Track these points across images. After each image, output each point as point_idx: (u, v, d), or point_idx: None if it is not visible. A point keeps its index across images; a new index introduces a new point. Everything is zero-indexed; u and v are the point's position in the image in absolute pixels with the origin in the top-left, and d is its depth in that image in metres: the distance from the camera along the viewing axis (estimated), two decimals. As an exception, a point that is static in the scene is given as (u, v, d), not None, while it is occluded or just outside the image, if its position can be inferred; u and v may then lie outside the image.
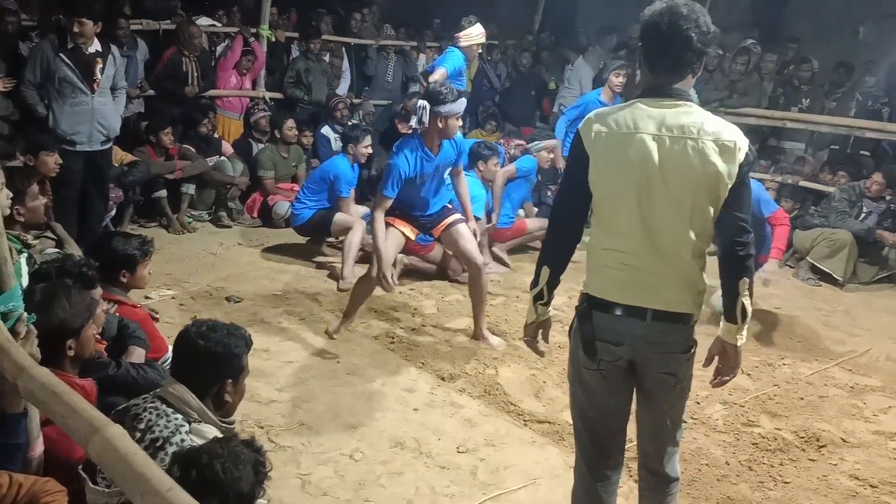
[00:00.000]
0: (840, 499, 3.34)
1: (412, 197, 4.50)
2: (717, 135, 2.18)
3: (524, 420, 3.83)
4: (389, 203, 4.37)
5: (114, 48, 5.58)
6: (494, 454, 3.48)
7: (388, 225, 4.46)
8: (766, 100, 8.12)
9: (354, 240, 5.68)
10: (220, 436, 2.03)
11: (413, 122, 4.34)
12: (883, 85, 8.01)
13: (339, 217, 5.91)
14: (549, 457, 3.49)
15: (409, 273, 5.84)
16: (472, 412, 3.86)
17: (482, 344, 4.68)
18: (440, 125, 4.30)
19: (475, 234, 4.72)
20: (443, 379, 4.19)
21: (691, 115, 2.20)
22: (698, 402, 4.11)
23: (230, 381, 2.26)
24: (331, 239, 6.33)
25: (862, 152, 7.89)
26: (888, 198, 6.74)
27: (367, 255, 6.04)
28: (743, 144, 2.19)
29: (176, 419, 2.14)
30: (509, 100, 9.85)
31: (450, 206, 4.73)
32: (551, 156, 6.77)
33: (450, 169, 4.64)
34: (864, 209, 6.77)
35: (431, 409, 3.85)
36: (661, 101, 2.22)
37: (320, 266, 6.00)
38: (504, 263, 6.35)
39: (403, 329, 4.85)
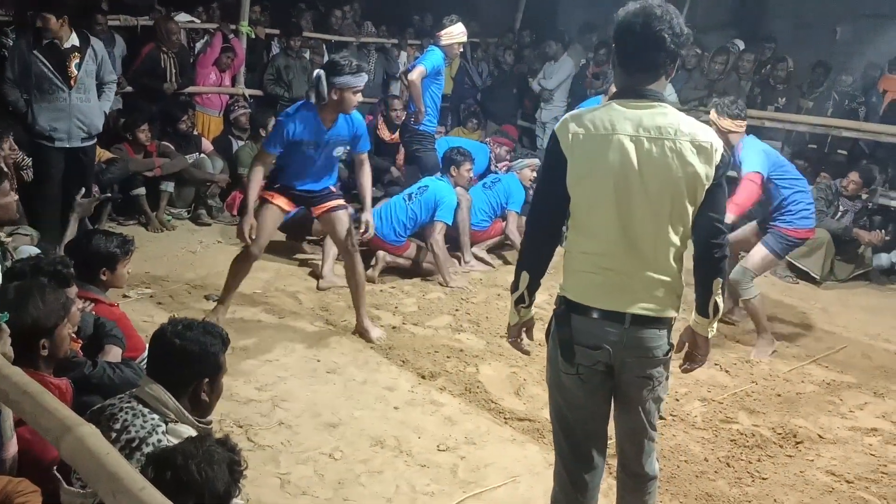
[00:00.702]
0: (816, 494, 3.37)
1: (296, 165, 4.47)
2: (693, 136, 2.19)
3: (504, 418, 3.83)
4: (269, 159, 4.44)
5: (95, 42, 5.50)
6: (475, 452, 3.48)
7: (265, 200, 4.49)
8: (743, 99, 8.16)
9: (335, 238, 5.66)
10: (194, 436, 2.01)
11: (311, 95, 4.31)
12: (859, 84, 8.10)
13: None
14: (529, 454, 3.50)
15: (390, 271, 5.83)
16: (453, 410, 3.86)
17: (461, 341, 4.67)
18: (334, 97, 4.27)
19: (367, 227, 4.68)
20: (423, 377, 4.19)
21: (667, 115, 2.21)
22: (677, 400, 4.14)
23: (207, 380, 2.24)
24: (312, 237, 6.30)
25: (839, 151, 7.96)
26: (864, 197, 6.82)
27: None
28: (718, 146, 2.21)
29: (152, 419, 2.11)
30: (491, 98, 9.86)
31: (334, 189, 4.68)
32: (534, 174, 6.70)
33: (344, 150, 4.57)
34: (841, 208, 6.84)
35: (412, 408, 3.84)
36: (636, 102, 2.23)
37: (302, 264, 5.97)
38: (487, 263, 6.35)
39: (384, 327, 4.83)
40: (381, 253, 5.77)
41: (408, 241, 5.85)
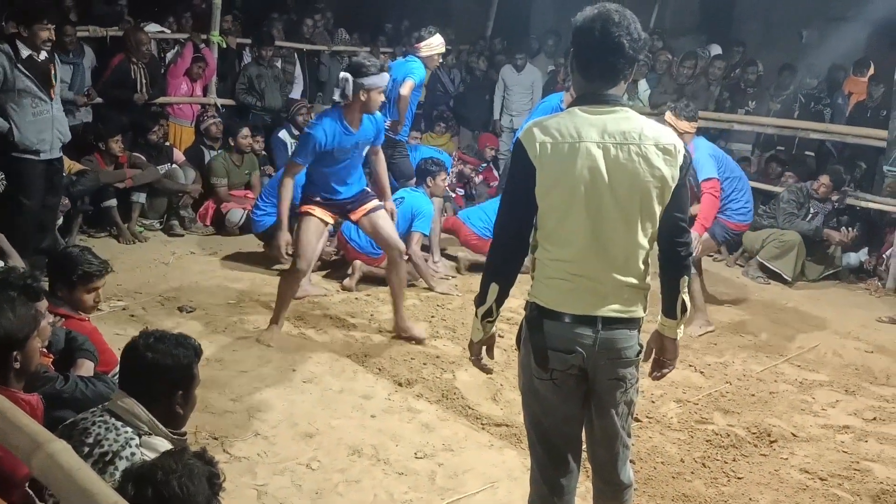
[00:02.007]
0: (791, 492, 3.41)
1: (329, 175, 4.47)
2: (657, 139, 2.22)
3: (482, 424, 3.84)
4: (299, 170, 4.44)
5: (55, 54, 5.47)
6: (452, 458, 3.48)
7: (306, 214, 4.49)
8: (713, 103, 8.28)
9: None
10: (172, 450, 1.99)
11: (336, 95, 4.31)
12: (825, 86, 8.23)
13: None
14: (507, 459, 3.50)
15: (365, 280, 5.81)
16: (430, 417, 3.85)
17: (437, 347, 4.68)
18: (362, 98, 4.30)
19: (392, 215, 4.73)
20: (400, 384, 4.18)
21: (630, 120, 2.23)
22: (653, 402, 4.17)
23: (180, 392, 2.22)
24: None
25: (807, 153, 8.09)
26: (834, 198, 6.92)
27: (325, 263, 6.06)
28: (681, 147, 2.25)
29: (125, 432, 2.09)
30: (464, 104, 9.89)
31: (368, 190, 4.71)
32: None
33: (368, 147, 4.61)
34: (812, 210, 6.94)
35: (389, 416, 3.84)
36: (598, 108, 2.24)
37: (279, 273, 5.92)
38: (458, 270, 6.36)
39: (360, 335, 4.83)
40: (357, 263, 5.76)
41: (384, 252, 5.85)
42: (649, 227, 2.26)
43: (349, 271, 5.75)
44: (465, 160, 8.58)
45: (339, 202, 4.58)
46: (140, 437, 2.11)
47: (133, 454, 2.04)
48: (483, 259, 6.34)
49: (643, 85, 8.54)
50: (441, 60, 6.93)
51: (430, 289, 5.74)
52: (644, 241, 2.27)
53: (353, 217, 4.66)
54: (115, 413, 2.15)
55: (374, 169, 4.79)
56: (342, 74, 4.30)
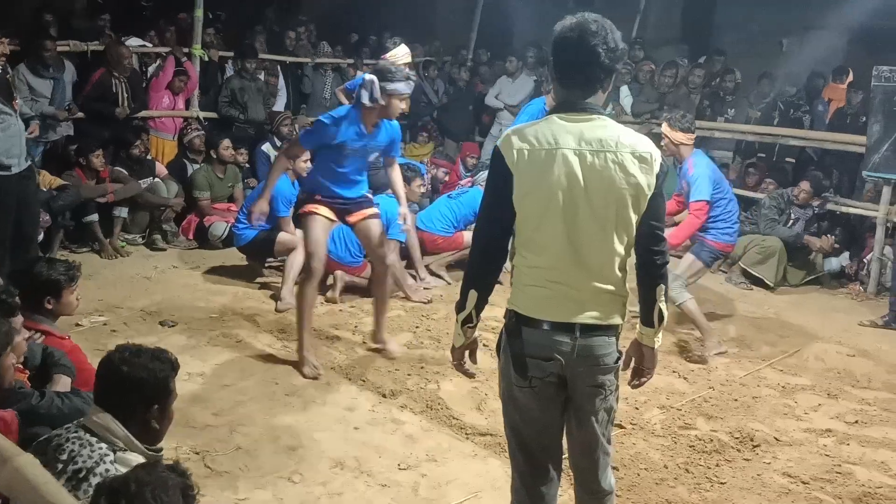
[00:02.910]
0: (774, 496, 3.42)
1: (334, 171, 4.45)
2: (633, 147, 2.23)
3: (466, 433, 3.83)
4: (301, 153, 4.54)
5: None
6: (436, 469, 3.47)
7: (311, 213, 4.47)
8: (693, 111, 8.32)
9: (296, 260, 5.61)
10: (145, 462, 1.98)
11: (364, 97, 4.26)
12: (804, 94, 8.31)
13: (282, 237, 5.85)
14: (490, 469, 3.50)
15: (350, 290, 5.81)
16: (414, 428, 3.84)
17: (421, 357, 4.67)
18: (383, 102, 4.30)
19: (405, 220, 4.73)
20: (384, 396, 4.17)
21: (607, 128, 2.24)
22: (637, 408, 4.18)
23: (156, 406, 2.20)
24: (271, 259, 6.25)
25: (787, 159, 8.15)
26: (815, 204, 6.98)
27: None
28: (657, 156, 2.26)
29: (100, 449, 2.07)
30: (447, 115, 9.91)
31: (370, 196, 4.71)
32: None
33: (376, 155, 4.60)
34: (793, 216, 7.00)
35: (372, 427, 3.82)
36: (576, 116, 2.25)
37: (262, 286, 5.92)
38: (443, 279, 6.36)
39: (344, 347, 4.82)
40: (338, 273, 5.74)
41: (364, 261, 5.84)
42: (624, 235, 2.27)
43: (329, 282, 5.74)
44: (437, 164, 8.61)
45: (339, 203, 4.57)
46: (115, 453, 2.08)
47: (107, 470, 2.02)
48: (452, 255, 6.43)
49: (624, 91, 8.59)
50: (409, 70, 6.95)
51: (407, 298, 5.73)
52: (620, 249, 2.28)
53: (351, 220, 4.64)
54: (89, 429, 2.12)
55: (391, 178, 4.77)
56: (368, 76, 4.29)
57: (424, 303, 5.73)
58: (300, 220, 4.65)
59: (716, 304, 6.20)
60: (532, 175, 2.23)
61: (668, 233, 4.55)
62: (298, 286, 4.60)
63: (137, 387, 2.16)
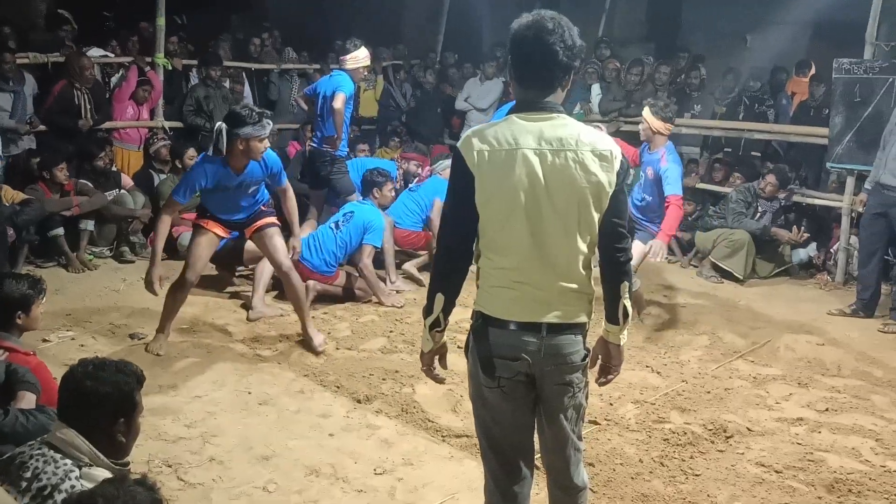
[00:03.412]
0: (748, 486, 3.45)
1: (218, 203, 4.59)
2: (593, 145, 2.23)
3: (442, 436, 3.82)
4: (176, 208, 4.58)
5: None
6: (412, 473, 3.46)
7: (200, 227, 4.59)
8: (661, 108, 8.39)
9: (266, 268, 5.57)
10: (112, 477, 1.94)
11: (210, 149, 4.38)
12: (767, 88, 8.41)
13: (249, 245, 5.79)
14: (467, 470, 3.49)
15: (323, 298, 5.77)
16: (390, 432, 3.83)
17: (396, 362, 4.66)
18: (241, 147, 4.37)
19: (293, 252, 4.82)
20: (359, 401, 4.15)
21: (566, 126, 2.24)
22: (611, 404, 4.20)
23: (122, 420, 2.16)
24: (241, 268, 6.20)
25: (753, 153, 8.24)
26: (781, 197, 7.06)
27: (278, 282, 5.99)
28: (618, 153, 2.26)
29: (65, 465, 2.03)
30: (416, 119, 9.90)
31: (265, 208, 4.78)
32: None
33: (255, 188, 4.65)
34: (760, 209, 7.08)
35: (347, 433, 3.80)
36: (535, 115, 2.25)
37: (232, 296, 5.86)
38: (417, 281, 6.35)
39: (317, 354, 4.78)
40: (311, 282, 5.70)
41: (338, 269, 5.82)
42: (587, 233, 2.27)
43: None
44: (408, 158, 8.60)
45: (233, 222, 4.70)
46: (80, 468, 2.04)
47: (73, 487, 1.98)
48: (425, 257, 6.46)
49: (595, 89, 8.64)
50: (366, 73, 6.96)
51: (381, 303, 5.74)
52: (584, 247, 2.28)
53: (247, 233, 4.77)
54: (54, 445, 2.09)
55: (284, 207, 4.85)
56: (218, 125, 4.38)
57: (398, 307, 5.72)
58: (193, 228, 4.73)
59: (688, 298, 6.25)
60: (493, 176, 2.22)
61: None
62: (170, 287, 4.66)
63: (102, 401, 2.12)
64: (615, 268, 2.34)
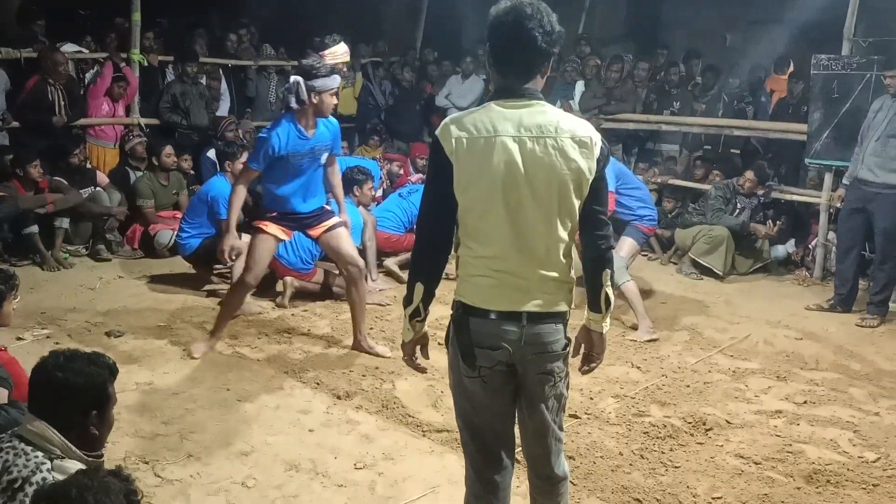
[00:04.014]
0: (727, 477, 3.46)
1: (287, 187, 4.39)
2: (573, 132, 2.21)
3: (423, 431, 3.80)
4: (254, 175, 4.34)
5: None
6: (393, 467, 3.43)
7: (260, 231, 4.40)
8: (640, 105, 8.44)
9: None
10: (85, 468, 1.90)
11: (291, 101, 4.20)
12: (746, 86, 8.47)
13: (226, 242, 5.74)
14: (447, 464, 3.47)
15: (302, 295, 5.73)
16: (370, 428, 3.80)
17: (376, 358, 4.63)
18: (314, 101, 4.24)
19: (346, 226, 4.69)
20: (339, 397, 4.11)
21: (545, 113, 2.22)
22: (591, 398, 4.19)
23: (95, 412, 2.12)
24: (219, 266, 6.13)
25: (732, 151, 8.30)
26: (759, 193, 7.11)
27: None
28: (597, 139, 2.24)
29: (36, 457, 1.99)
30: (395, 117, 9.85)
31: (328, 207, 4.65)
32: None
33: (326, 155, 4.53)
34: (738, 205, 7.12)
35: (327, 429, 3.77)
36: (514, 102, 2.22)
37: (210, 294, 5.80)
38: (397, 278, 6.32)
39: (297, 351, 4.74)
40: (288, 279, 5.66)
41: (315, 267, 5.77)
42: (568, 221, 2.25)
43: (278, 288, 5.66)
44: (390, 158, 8.58)
45: (298, 218, 4.51)
46: (52, 461, 2.00)
47: (45, 479, 1.94)
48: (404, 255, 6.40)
49: (580, 86, 8.65)
50: (345, 69, 6.90)
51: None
52: (564, 235, 2.26)
53: (313, 234, 4.61)
54: (25, 438, 2.04)
55: (330, 180, 4.73)
56: (293, 78, 4.21)
57: (382, 305, 5.68)
58: (251, 230, 4.58)
59: (668, 295, 6.28)
60: (472, 164, 2.19)
61: None
62: (230, 287, 4.52)
63: (73, 393, 2.08)
64: (597, 255, 2.32)
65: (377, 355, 4.65)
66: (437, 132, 2.26)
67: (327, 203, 4.69)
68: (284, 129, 4.25)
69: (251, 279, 4.48)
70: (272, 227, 4.43)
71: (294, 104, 4.22)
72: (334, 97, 4.34)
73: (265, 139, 4.24)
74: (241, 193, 4.35)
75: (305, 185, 4.46)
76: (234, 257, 4.42)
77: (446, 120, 2.27)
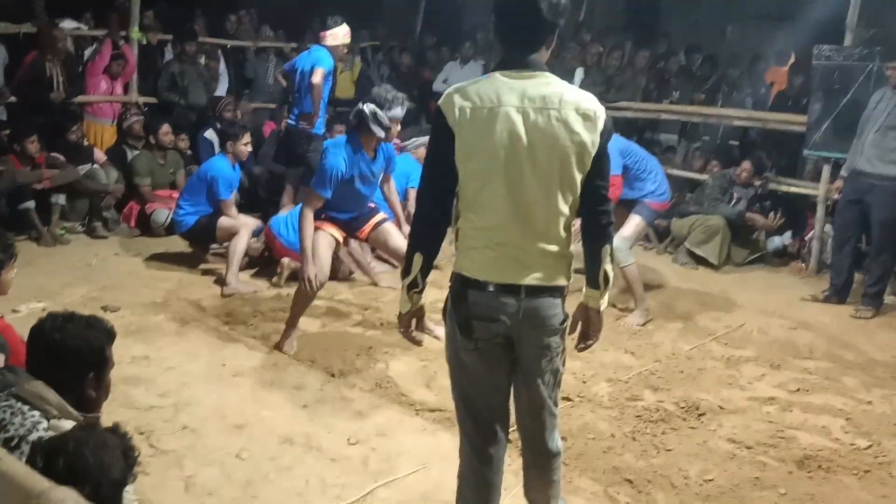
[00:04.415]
0: (719, 461, 3.47)
1: (344, 201, 4.37)
2: (577, 104, 2.20)
3: (416, 409, 3.81)
4: (321, 201, 4.23)
5: None
6: (386, 443, 3.45)
7: (317, 229, 4.34)
8: (639, 94, 8.44)
9: (240, 245, 5.54)
10: (83, 423, 1.91)
11: (377, 130, 4.16)
12: (746, 77, 8.47)
13: (223, 221, 5.74)
14: (440, 442, 3.48)
15: (296, 276, 5.71)
16: (363, 405, 3.81)
17: (370, 338, 4.64)
18: (394, 130, 4.25)
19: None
20: (333, 375, 4.12)
21: (550, 85, 2.21)
22: (584, 382, 4.21)
23: (92, 374, 2.12)
24: (215, 245, 6.13)
25: (731, 141, 8.30)
26: (757, 184, 7.12)
27: (252, 260, 5.95)
28: (601, 113, 2.23)
29: (32, 416, 1.99)
30: (394, 102, 9.81)
31: (373, 205, 4.65)
32: None
33: (380, 177, 4.58)
34: (735, 195, 7.12)
35: (321, 405, 3.78)
36: (519, 73, 2.21)
37: (206, 272, 5.80)
38: (391, 263, 6.31)
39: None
40: (285, 260, 5.64)
41: None
42: (569, 194, 2.24)
43: (278, 269, 5.66)
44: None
45: (346, 220, 4.51)
46: (48, 420, 2.01)
47: (41, 438, 1.94)
48: None
49: (579, 73, 8.63)
50: (346, 51, 6.89)
51: (375, 284, 5.72)
52: (565, 208, 2.25)
53: (361, 235, 4.62)
54: (21, 397, 2.04)
55: (386, 196, 4.80)
56: (368, 108, 4.14)
57: (376, 285, 5.69)
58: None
59: (663, 283, 6.29)
60: (474, 134, 2.19)
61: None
62: (296, 291, 4.44)
63: (71, 354, 2.08)
64: (597, 231, 2.32)
65: (437, 338, 4.49)
66: (440, 101, 2.25)
67: (372, 202, 4.68)
68: (348, 153, 4.22)
69: (321, 277, 4.33)
70: (328, 227, 4.43)
71: (381, 133, 4.18)
72: (398, 126, 4.31)
73: (330, 165, 4.17)
74: (310, 218, 4.21)
75: (361, 200, 4.49)
76: (320, 284, 4.29)
77: (450, 89, 2.27)
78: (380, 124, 4.16)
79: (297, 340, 4.50)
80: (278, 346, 4.40)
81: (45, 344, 2.10)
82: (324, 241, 4.37)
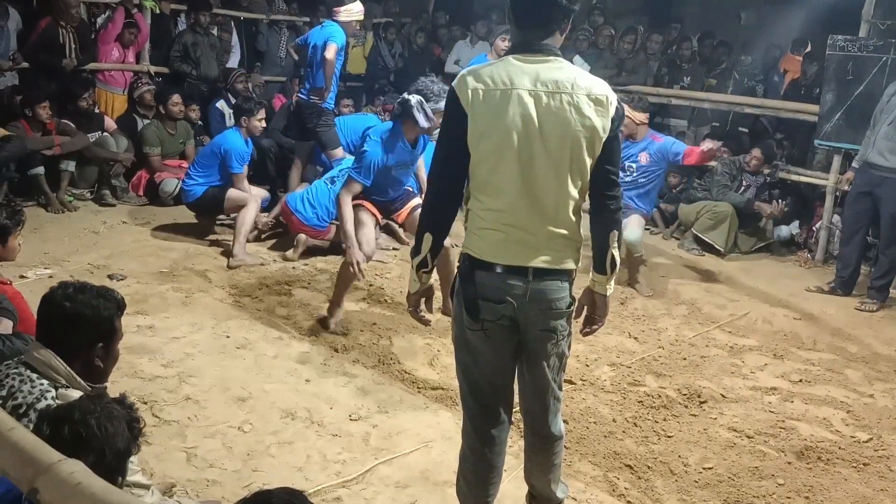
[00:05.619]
0: (719, 449, 3.49)
1: (381, 186, 4.41)
2: (589, 89, 2.21)
3: (418, 387, 3.83)
4: (359, 189, 4.27)
5: None
6: (387, 420, 3.47)
7: (360, 206, 4.38)
8: (651, 78, 8.38)
9: (247, 217, 5.54)
10: (89, 393, 1.93)
11: (422, 121, 4.17)
12: (759, 64, 8.39)
13: (231, 193, 5.74)
14: (441, 420, 3.51)
15: (308, 252, 5.74)
16: (366, 381, 3.83)
17: (374, 315, 4.66)
18: (439, 121, 4.23)
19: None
20: (336, 350, 4.15)
21: (563, 70, 2.22)
22: (587, 365, 4.22)
23: (101, 345, 2.14)
24: (223, 217, 6.15)
25: (741, 129, 8.24)
26: (766, 172, 7.08)
27: (261, 233, 5.97)
28: (613, 99, 2.24)
29: (41, 384, 2.01)
30: (405, 79, 9.75)
31: (410, 189, 4.68)
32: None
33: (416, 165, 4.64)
34: (744, 183, 7.09)
35: (324, 380, 3.81)
36: (532, 57, 2.22)
37: (213, 243, 5.82)
38: (399, 238, 6.32)
39: (297, 303, 4.77)
40: (301, 236, 5.66)
41: (330, 224, 5.75)
42: (578, 178, 2.25)
43: (294, 244, 5.67)
44: (387, 110, 8.52)
45: (384, 202, 4.55)
46: (56, 389, 2.03)
47: (49, 406, 1.96)
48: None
49: (578, 60, 8.57)
50: (358, 27, 6.85)
51: (381, 261, 5.71)
52: (575, 192, 2.26)
53: (399, 219, 4.67)
54: (30, 365, 2.06)
55: (420, 178, 4.85)
56: (414, 99, 4.15)
57: (383, 263, 5.70)
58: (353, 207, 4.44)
59: (668, 269, 6.28)
60: (487, 116, 2.20)
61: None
62: (342, 264, 4.42)
63: (81, 324, 2.10)
64: (606, 215, 2.33)
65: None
66: (453, 84, 2.26)
67: (409, 186, 4.72)
68: (391, 142, 4.25)
69: (368, 251, 4.38)
70: (368, 204, 4.46)
71: (425, 123, 4.19)
72: (440, 117, 4.31)
73: (373, 154, 4.19)
74: (349, 203, 4.25)
75: (398, 185, 4.54)
76: (363, 271, 4.29)
77: (463, 71, 2.28)
78: (425, 113, 4.17)
79: (302, 314, 4.52)
80: (323, 323, 4.42)
81: (55, 312, 2.12)
82: (367, 217, 4.43)
